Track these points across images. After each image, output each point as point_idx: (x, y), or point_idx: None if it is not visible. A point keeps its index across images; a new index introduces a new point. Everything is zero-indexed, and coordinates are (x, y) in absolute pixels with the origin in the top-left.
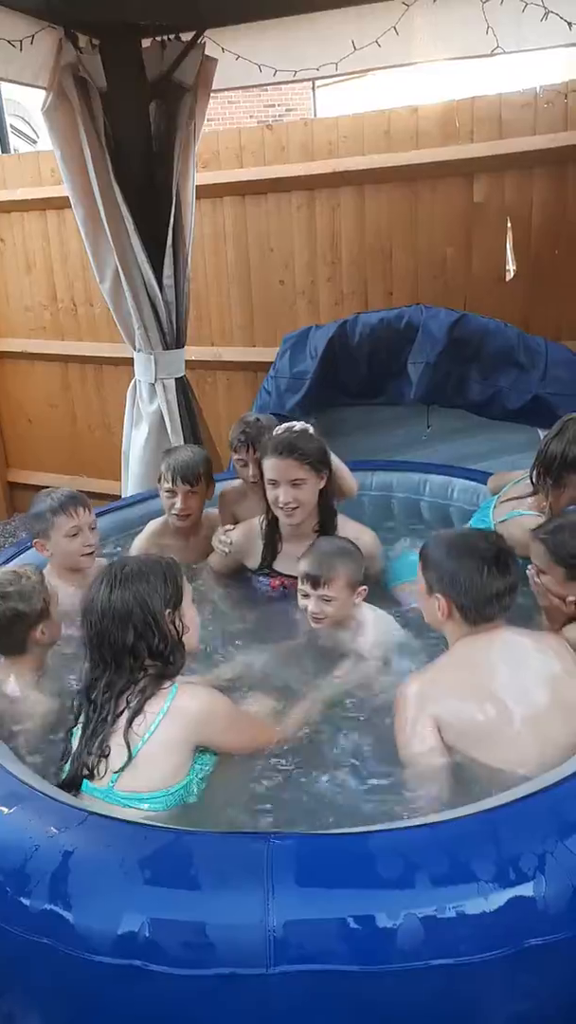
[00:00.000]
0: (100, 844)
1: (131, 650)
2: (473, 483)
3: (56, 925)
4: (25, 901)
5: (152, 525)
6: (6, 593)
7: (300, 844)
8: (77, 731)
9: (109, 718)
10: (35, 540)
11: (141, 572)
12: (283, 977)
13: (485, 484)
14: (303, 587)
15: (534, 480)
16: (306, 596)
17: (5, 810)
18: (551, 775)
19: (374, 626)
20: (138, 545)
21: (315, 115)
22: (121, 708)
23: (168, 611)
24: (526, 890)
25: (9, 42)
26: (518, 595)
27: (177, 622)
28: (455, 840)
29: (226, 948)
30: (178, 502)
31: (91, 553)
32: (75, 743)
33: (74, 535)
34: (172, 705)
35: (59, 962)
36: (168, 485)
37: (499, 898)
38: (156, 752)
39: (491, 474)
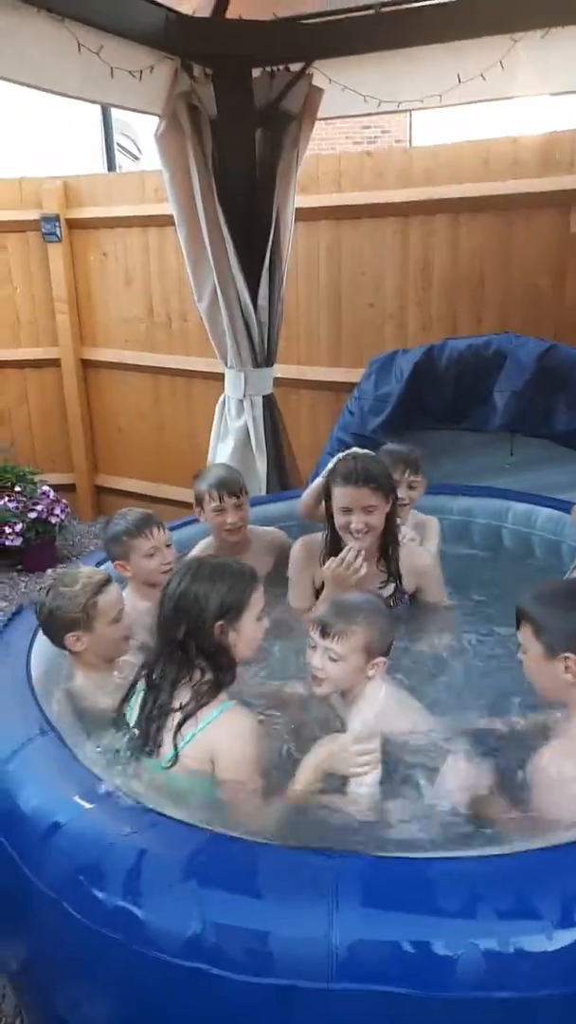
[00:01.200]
0: (172, 847)
1: (181, 644)
2: (558, 512)
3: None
4: (100, 895)
5: (198, 548)
6: (51, 587)
7: (366, 864)
8: (134, 703)
9: (167, 709)
10: (115, 562)
11: (211, 574)
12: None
13: (569, 513)
14: (312, 634)
15: None
16: (313, 647)
17: (86, 805)
18: None
19: (382, 704)
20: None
21: (411, 137)
22: (177, 704)
23: (220, 622)
24: None
25: (130, 72)
26: None
27: (230, 633)
28: (519, 874)
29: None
30: (228, 517)
31: (169, 570)
32: (131, 715)
33: (151, 555)
34: (213, 722)
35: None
36: (215, 504)
37: (561, 937)
38: (189, 754)
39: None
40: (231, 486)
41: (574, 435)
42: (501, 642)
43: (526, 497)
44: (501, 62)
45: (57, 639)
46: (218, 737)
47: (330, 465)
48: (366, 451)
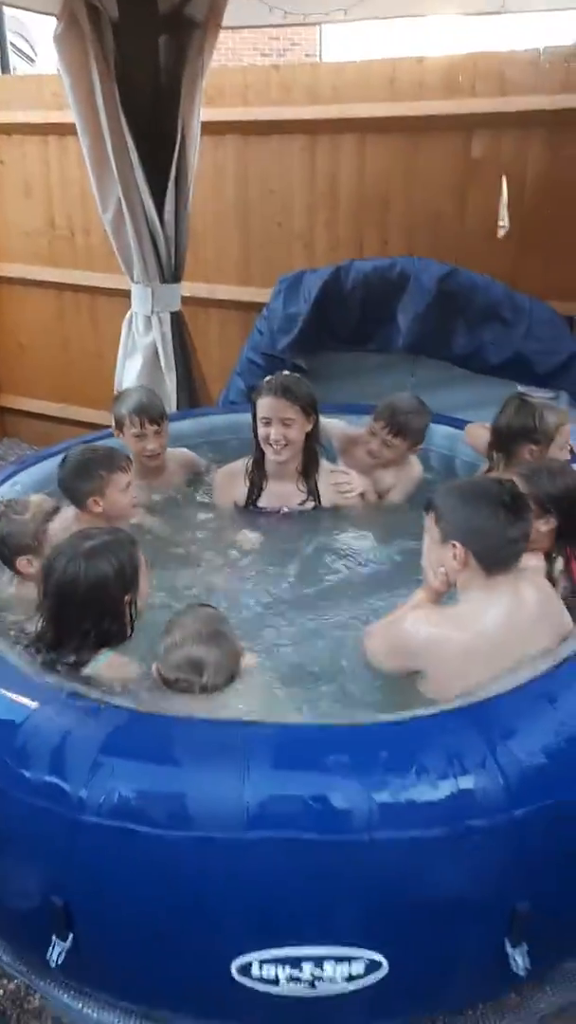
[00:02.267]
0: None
1: (83, 632)
2: (452, 429)
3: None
4: (27, 773)
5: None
6: (2, 515)
7: (273, 730)
8: None
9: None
10: (91, 499)
11: (105, 555)
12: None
13: (462, 431)
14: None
15: (490, 455)
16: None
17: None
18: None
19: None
20: None
21: (320, 52)
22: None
23: (127, 596)
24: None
25: None
26: None
27: (133, 604)
28: (407, 736)
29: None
30: (149, 443)
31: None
32: None
33: (124, 489)
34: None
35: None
36: (136, 429)
37: (443, 787)
38: None
39: (468, 422)
40: (152, 411)
41: (471, 357)
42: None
43: None
44: None
45: (9, 563)
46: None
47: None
48: (296, 374)
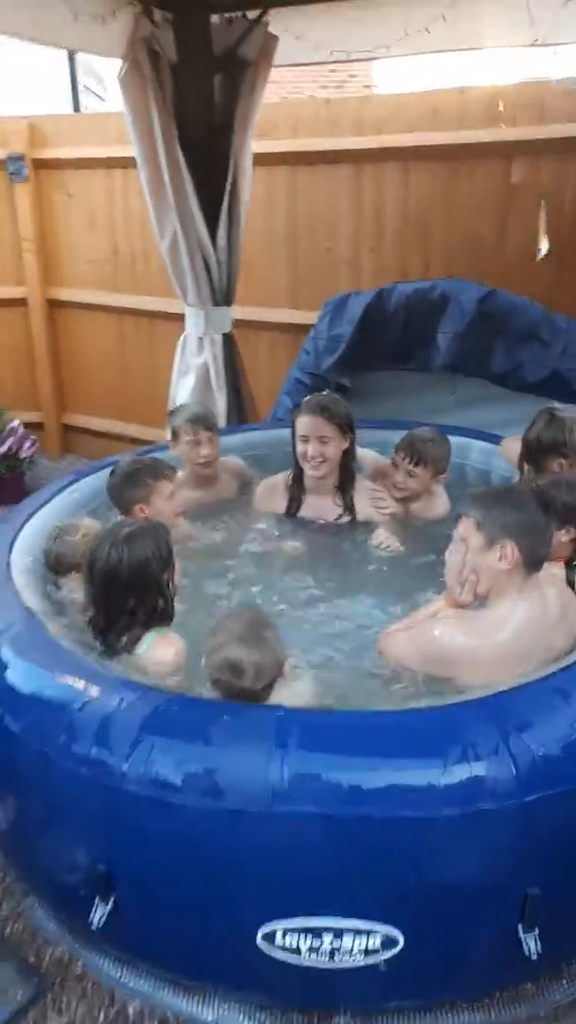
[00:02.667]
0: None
1: (130, 611)
2: (489, 445)
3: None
4: (75, 748)
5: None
6: (57, 536)
7: (300, 716)
8: None
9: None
10: (137, 507)
11: (142, 538)
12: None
13: (498, 446)
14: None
15: (521, 468)
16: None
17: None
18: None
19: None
20: None
21: (374, 82)
22: (119, 644)
23: (164, 575)
24: (477, 770)
25: (94, 17)
26: None
27: (172, 583)
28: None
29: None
30: (203, 449)
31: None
32: None
33: (169, 497)
34: (143, 653)
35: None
36: (191, 437)
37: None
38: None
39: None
40: (205, 420)
41: (510, 376)
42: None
43: (462, 431)
44: (444, 16)
45: (62, 576)
46: (148, 663)
47: None
48: (335, 394)
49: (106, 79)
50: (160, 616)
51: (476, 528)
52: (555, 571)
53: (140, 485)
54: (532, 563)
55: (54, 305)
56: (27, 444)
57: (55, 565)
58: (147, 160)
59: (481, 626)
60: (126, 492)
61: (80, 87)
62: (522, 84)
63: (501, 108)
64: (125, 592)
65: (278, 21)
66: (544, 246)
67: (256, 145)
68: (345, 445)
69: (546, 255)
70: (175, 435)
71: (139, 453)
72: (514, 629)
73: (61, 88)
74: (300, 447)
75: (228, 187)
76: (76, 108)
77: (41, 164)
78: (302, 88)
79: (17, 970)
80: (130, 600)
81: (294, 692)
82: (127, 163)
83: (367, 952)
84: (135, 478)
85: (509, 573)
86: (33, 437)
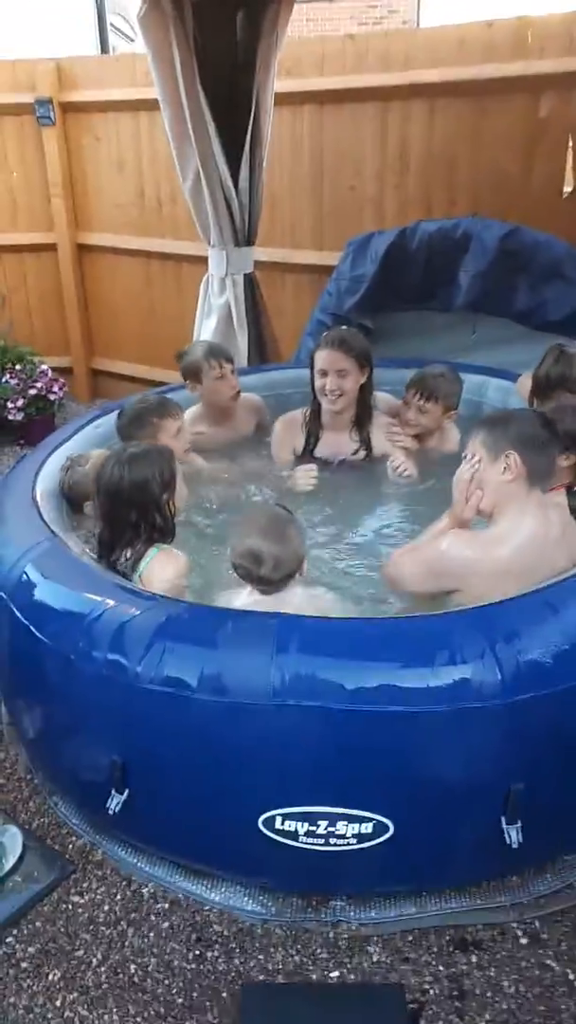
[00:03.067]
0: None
1: (133, 524)
2: (506, 382)
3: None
4: (93, 654)
5: (189, 414)
6: (70, 467)
7: (301, 620)
8: None
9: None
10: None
11: (142, 461)
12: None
13: (515, 383)
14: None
15: (531, 403)
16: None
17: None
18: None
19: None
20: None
21: (419, 18)
22: (123, 559)
23: (164, 496)
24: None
25: None
26: None
27: (172, 504)
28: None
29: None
30: (231, 381)
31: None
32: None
33: (175, 435)
34: (147, 566)
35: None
36: (217, 371)
37: (444, 673)
38: None
39: (519, 375)
40: (225, 353)
41: (532, 314)
42: None
43: (478, 369)
44: None
45: (76, 505)
46: (147, 577)
47: None
48: (352, 328)
49: (133, 18)
50: (161, 532)
51: (482, 445)
52: (558, 499)
53: (146, 424)
54: (535, 476)
55: (83, 250)
56: (56, 387)
57: (68, 494)
58: (169, 100)
59: (485, 540)
60: (133, 432)
61: (108, 27)
62: (551, 14)
63: (529, 40)
64: (127, 507)
65: None
66: (571, 183)
67: (280, 84)
68: (362, 379)
69: (572, 192)
70: (195, 372)
71: (149, 393)
72: (517, 545)
73: (88, 28)
74: (319, 381)
75: (250, 127)
76: (104, 49)
77: (69, 107)
78: (339, 26)
79: (43, 856)
80: (131, 514)
81: (310, 594)
82: (153, 105)
83: (359, 837)
84: (141, 418)
85: (513, 486)
86: (62, 380)
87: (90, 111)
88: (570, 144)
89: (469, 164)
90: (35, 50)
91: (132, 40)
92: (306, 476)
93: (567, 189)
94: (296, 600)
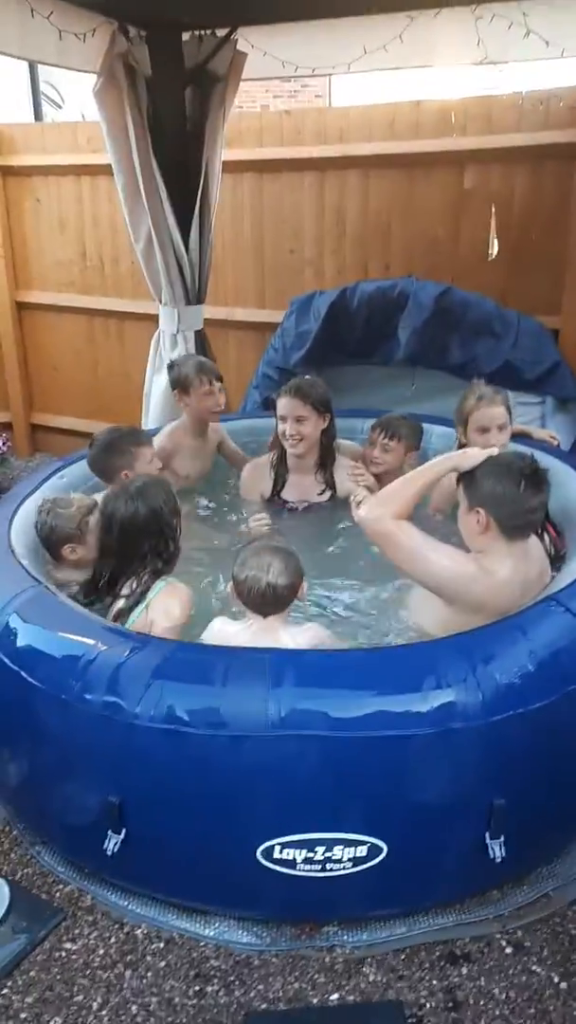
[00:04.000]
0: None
1: (143, 556)
2: (448, 429)
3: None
4: (89, 696)
5: (170, 426)
6: (49, 510)
7: (294, 655)
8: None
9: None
10: (122, 473)
11: (152, 489)
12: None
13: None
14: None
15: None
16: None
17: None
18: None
19: None
20: (160, 442)
21: (330, 93)
22: (126, 591)
23: (174, 521)
24: (449, 695)
25: (75, 35)
26: None
27: (179, 528)
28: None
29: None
30: (220, 398)
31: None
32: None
33: (150, 461)
34: (153, 600)
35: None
36: (206, 387)
37: (432, 698)
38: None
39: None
40: (216, 371)
41: (466, 367)
42: None
43: (423, 418)
44: (401, 36)
45: (55, 551)
46: (155, 613)
47: None
48: (313, 378)
49: (62, 86)
50: (167, 562)
51: (464, 491)
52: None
53: (123, 452)
54: (510, 530)
55: (22, 307)
56: (0, 442)
57: (50, 537)
58: (122, 168)
59: (472, 558)
60: (110, 460)
61: (40, 94)
62: (470, 99)
63: (453, 119)
64: (143, 537)
65: (246, 38)
66: (495, 247)
67: (225, 153)
68: (323, 425)
69: (497, 255)
70: (185, 385)
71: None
72: (502, 577)
73: (21, 95)
74: (280, 426)
75: (199, 192)
76: (37, 116)
77: (9, 171)
78: (255, 97)
79: (31, 906)
80: (145, 544)
81: (301, 628)
82: (95, 171)
83: (355, 861)
84: (117, 446)
85: (486, 537)
86: (6, 435)
87: (31, 175)
88: (492, 212)
89: (402, 230)
90: None
91: (60, 107)
92: (258, 524)
93: (492, 252)
94: (286, 636)
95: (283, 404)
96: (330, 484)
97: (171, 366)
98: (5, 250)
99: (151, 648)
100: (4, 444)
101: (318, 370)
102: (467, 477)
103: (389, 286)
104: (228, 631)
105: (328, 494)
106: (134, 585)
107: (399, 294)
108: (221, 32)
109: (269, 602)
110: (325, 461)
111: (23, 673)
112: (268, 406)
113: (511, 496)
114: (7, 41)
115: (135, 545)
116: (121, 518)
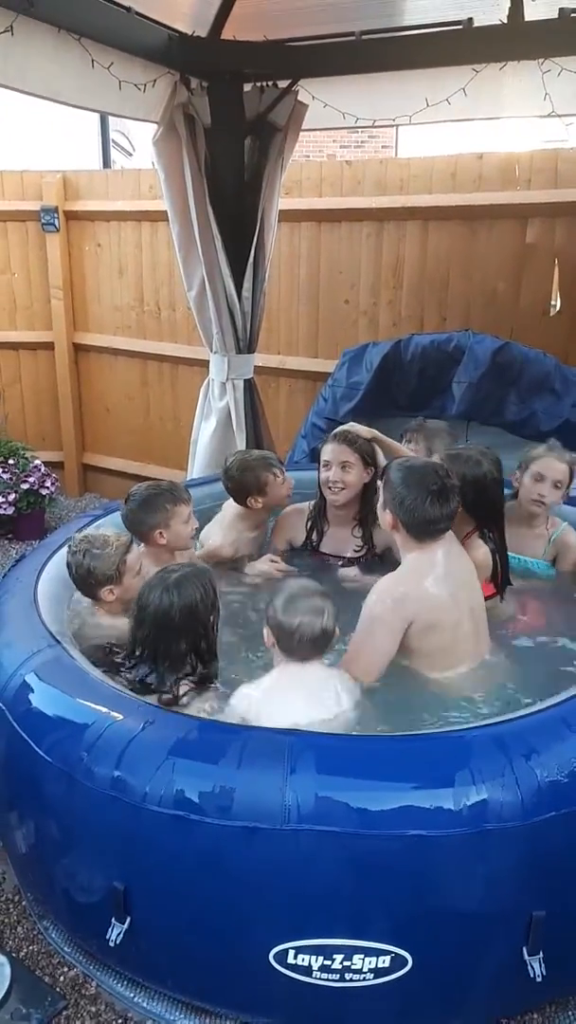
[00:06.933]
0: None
1: (181, 655)
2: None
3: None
4: (99, 770)
5: (234, 510)
6: (85, 551)
7: (316, 739)
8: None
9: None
10: (156, 531)
11: (191, 583)
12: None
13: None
14: None
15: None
16: None
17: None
18: (517, 710)
19: None
20: (224, 531)
21: (397, 143)
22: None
23: (212, 617)
24: (484, 792)
25: (135, 85)
26: None
27: (216, 626)
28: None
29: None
30: (290, 480)
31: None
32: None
33: (186, 521)
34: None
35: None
36: (280, 478)
37: (464, 795)
38: None
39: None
40: (276, 458)
41: (523, 424)
42: None
43: None
44: (464, 89)
45: (92, 592)
46: None
47: None
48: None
49: (134, 135)
50: (204, 662)
51: (381, 489)
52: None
53: (159, 510)
54: (417, 535)
55: (79, 349)
56: (48, 482)
57: (85, 578)
58: (178, 216)
59: (397, 576)
60: (146, 517)
61: (110, 143)
62: (536, 151)
63: (517, 172)
64: (178, 636)
65: (307, 89)
66: (557, 302)
67: (284, 202)
68: (366, 477)
69: (559, 311)
70: (262, 487)
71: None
72: (433, 576)
73: (92, 143)
74: (323, 473)
75: (254, 242)
76: (106, 163)
77: (72, 216)
78: (323, 147)
79: (32, 990)
80: (181, 644)
81: (329, 672)
82: (155, 217)
83: (376, 972)
84: (153, 502)
85: (397, 535)
86: (54, 475)
87: (93, 220)
88: (556, 267)
89: (460, 282)
90: (42, 162)
91: (131, 155)
92: (269, 564)
93: (554, 308)
94: (320, 674)
95: (329, 450)
96: (368, 540)
97: (227, 473)
98: (65, 292)
99: (166, 723)
100: (52, 485)
101: (368, 422)
102: (384, 476)
103: (445, 339)
104: (255, 695)
105: (365, 550)
106: (172, 684)
107: (455, 348)
108: (282, 83)
109: (320, 647)
110: (365, 516)
111: (30, 741)
112: (315, 458)
113: (415, 505)
114: (66, 91)
115: (168, 643)
116: (154, 612)
